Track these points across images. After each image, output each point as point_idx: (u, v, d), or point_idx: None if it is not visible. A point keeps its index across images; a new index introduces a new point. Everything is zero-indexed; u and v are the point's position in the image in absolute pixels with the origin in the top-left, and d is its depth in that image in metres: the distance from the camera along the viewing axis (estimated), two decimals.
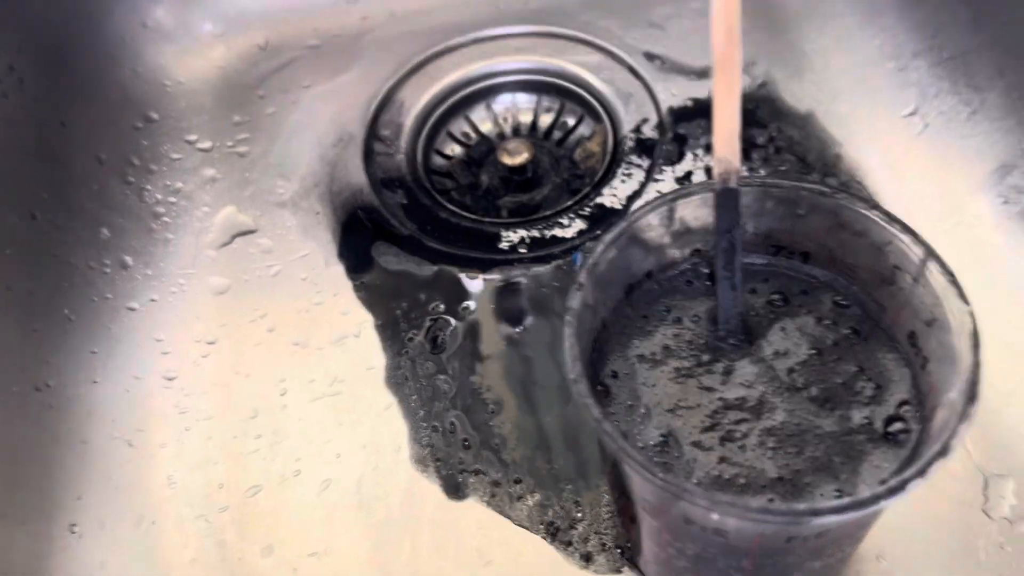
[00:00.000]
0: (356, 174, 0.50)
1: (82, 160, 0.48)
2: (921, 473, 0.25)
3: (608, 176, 0.50)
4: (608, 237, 0.31)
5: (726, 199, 0.30)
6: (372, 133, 0.52)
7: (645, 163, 0.50)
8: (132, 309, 0.46)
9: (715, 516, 0.26)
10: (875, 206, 0.30)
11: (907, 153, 0.48)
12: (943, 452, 0.25)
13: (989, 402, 0.40)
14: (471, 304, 0.45)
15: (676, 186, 0.48)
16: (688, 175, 0.49)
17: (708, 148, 0.50)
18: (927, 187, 0.46)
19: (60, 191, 0.46)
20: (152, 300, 0.46)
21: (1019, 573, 0.36)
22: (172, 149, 0.52)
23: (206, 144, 0.52)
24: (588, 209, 0.48)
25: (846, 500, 0.24)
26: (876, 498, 0.24)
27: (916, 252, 0.29)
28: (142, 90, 0.53)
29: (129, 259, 0.47)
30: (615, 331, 0.33)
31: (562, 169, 0.52)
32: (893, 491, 0.25)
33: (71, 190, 0.47)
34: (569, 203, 0.49)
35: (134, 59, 0.53)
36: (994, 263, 0.44)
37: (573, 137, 0.54)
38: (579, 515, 0.39)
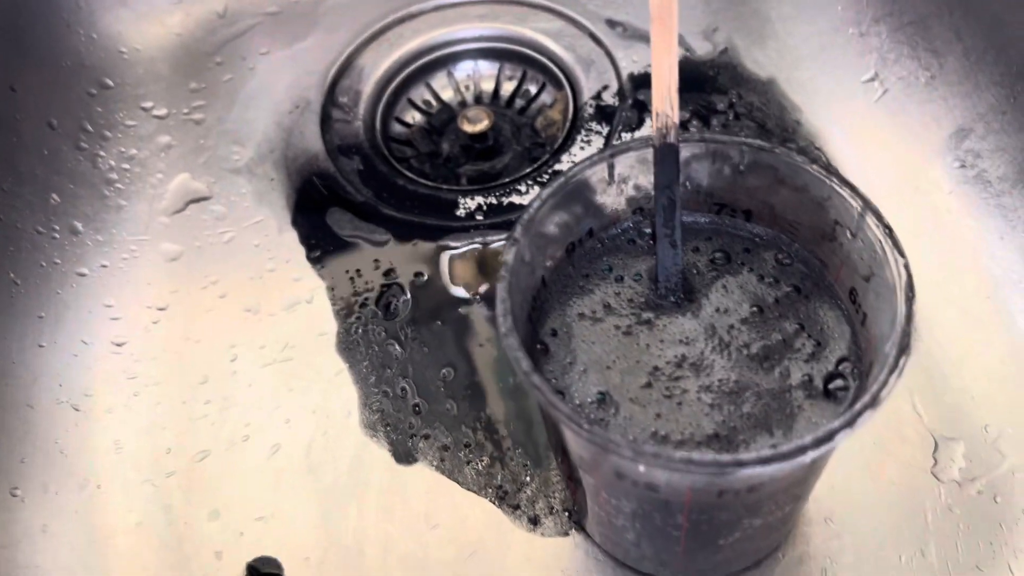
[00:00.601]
0: (312, 141, 0.50)
1: (33, 126, 0.47)
2: (849, 424, 0.25)
3: (567, 143, 0.50)
4: (545, 192, 0.30)
5: (665, 154, 0.30)
6: (330, 100, 0.52)
7: (604, 130, 0.49)
8: (82, 275, 0.45)
9: (641, 468, 0.25)
10: (813, 160, 0.30)
11: (866, 119, 0.47)
12: (872, 403, 0.25)
13: (941, 366, 0.40)
14: (425, 271, 0.45)
15: None
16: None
17: None
18: (885, 152, 0.46)
19: (9, 156, 0.45)
20: (103, 266, 0.46)
21: (967, 535, 0.36)
22: (127, 116, 0.51)
23: (162, 111, 0.52)
24: (546, 176, 0.48)
25: (771, 451, 0.24)
26: (802, 449, 0.24)
27: (854, 206, 0.29)
28: (97, 56, 0.52)
29: (80, 225, 0.46)
30: (556, 290, 0.32)
31: (523, 137, 0.52)
32: (820, 442, 0.24)
33: (21, 155, 0.46)
34: (527, 170, 0.49)
35: (89, 25, 0.52)
36: (950, 227, 0.43)
37: (535, 105, 0.53)
38: (527, 479, 0.38)
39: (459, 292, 0.44)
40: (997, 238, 0.42)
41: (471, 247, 0.45)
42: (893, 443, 0.38)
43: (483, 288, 0.44)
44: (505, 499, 0.38)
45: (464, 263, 0.45)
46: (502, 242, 0.45)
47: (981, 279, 0.42)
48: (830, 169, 0.30)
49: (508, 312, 0.28)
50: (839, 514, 0.37)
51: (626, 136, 0.49)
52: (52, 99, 0.49)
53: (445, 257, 0.45)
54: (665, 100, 0.29)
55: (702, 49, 0.52)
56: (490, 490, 0.38)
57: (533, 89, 0.54)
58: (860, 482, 0.37)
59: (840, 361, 0.30)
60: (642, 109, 0.50)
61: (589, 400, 0.29)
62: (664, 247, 0.31)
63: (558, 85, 0.53)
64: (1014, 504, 0.36)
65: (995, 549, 0.35)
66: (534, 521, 0.38)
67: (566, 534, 0.37)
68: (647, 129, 0.49)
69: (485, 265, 0.45)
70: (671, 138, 0.30)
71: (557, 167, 0.48)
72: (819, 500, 0.37)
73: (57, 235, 0.45)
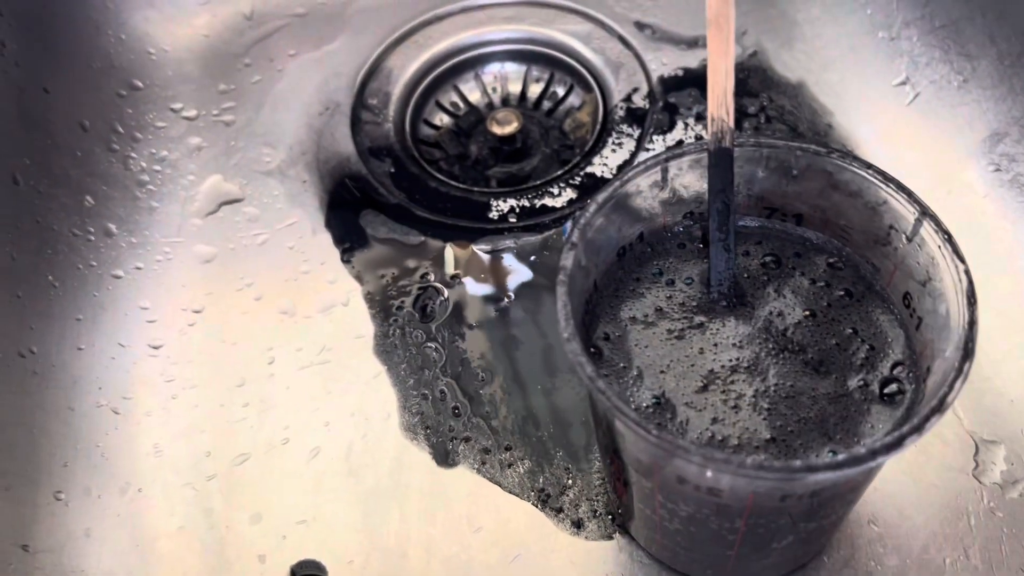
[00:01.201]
0: (343, 143, 0.50)
1: (65, 127, 0.47)
2: (918, 429, 0.25)
3: (598, 146, 0.50)
4: (600, 197, 0.30)
5: (720, 159, 0.30)
6: (359, 102, 0.52)
7: (635, 132, 0.50)
8: (117, 277, 0.45)
9: (709, 474, 0.26)
10: (870, 165, 0.30)
11: (898, 122, 0.47)
12: (939, 408, 0.25)
13: (981, 369, 0.40)
14: (460, 273, 0.45)
15: None
16: (679, 144, 0.48)
17: (699, 117, 0.49)
18: (918, 156, 0.46)
19: (43, 157, 0.45)
20: (137, 268, 0.45)
21: (1009, 538, 0.36)
22: (157, 117, 0.51)
23: (191, 112, 0.51)
24: (578, 179, 0.48)
25: (842, 456, 0.24)
26: (872, 454, 0.24)
27: (911, 211, 0.29)
28: (126, 58, 0.52)
29: (113, 227, 0.46)
30: (607, 294, 0.32)
31: (552, 139, 0.52)
32: (889, 447, 0.24)
33: (54, 157, 0.46)
34: (559, 172, 0.49)
35: (118, 26, 0.52)
36: (985, 231, 0.43)
37: (563, 107, 0.53)
38: (570, 482, 0.39)
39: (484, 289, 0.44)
40: None
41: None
42: (934, 446, 0.38)
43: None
44: (548, 502, 0.38)
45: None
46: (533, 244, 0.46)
47: (1017, 282, 0.42)
48: (886, 175, 0.30)
49: (569, 317, 0.28)
50: (883, 517, 0.37)
51: (658, 139, 0.49)
52: (83, 100, 0.49)
53: (479, 258, 0.45)
54: (721, 105, 0.29)
55: None
56: (532, 493, 0.38)
57: (561, 91, 0.54)
58: (902, 485, 0.37)
59: (895, 365, 0.30)
60: (673, 112, 0.50)
61: (644, 405, 0.30)
62: (718, 251, 0.31)
63: (586, 87, 0.53)
64: None
65: None
66: (578, 524, 0.38)
67: (610, 537, 0.37)
68: (679, 132, 0.49)
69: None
70: (726, 142, 0.30)
71: (589, 169, 0.48)
72: (862, 503, 0.37)
73: (92, 237, 0.45)
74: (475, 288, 0.44)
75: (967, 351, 0.26)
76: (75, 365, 0.42)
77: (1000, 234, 0.43)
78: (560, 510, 0.38)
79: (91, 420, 0.41)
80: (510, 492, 0.39)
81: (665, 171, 0.32)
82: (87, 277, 0.44)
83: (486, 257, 0.45)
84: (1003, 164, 0.44)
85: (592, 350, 0.31)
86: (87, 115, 0.48)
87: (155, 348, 0.43)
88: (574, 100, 0.53)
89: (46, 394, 0.40)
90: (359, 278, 0.45)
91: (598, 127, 0.51)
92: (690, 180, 0.32)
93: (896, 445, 0.24)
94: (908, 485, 0.37)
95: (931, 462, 0.38)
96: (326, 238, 0.47)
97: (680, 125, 0.49)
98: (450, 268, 0.45)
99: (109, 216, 0.46)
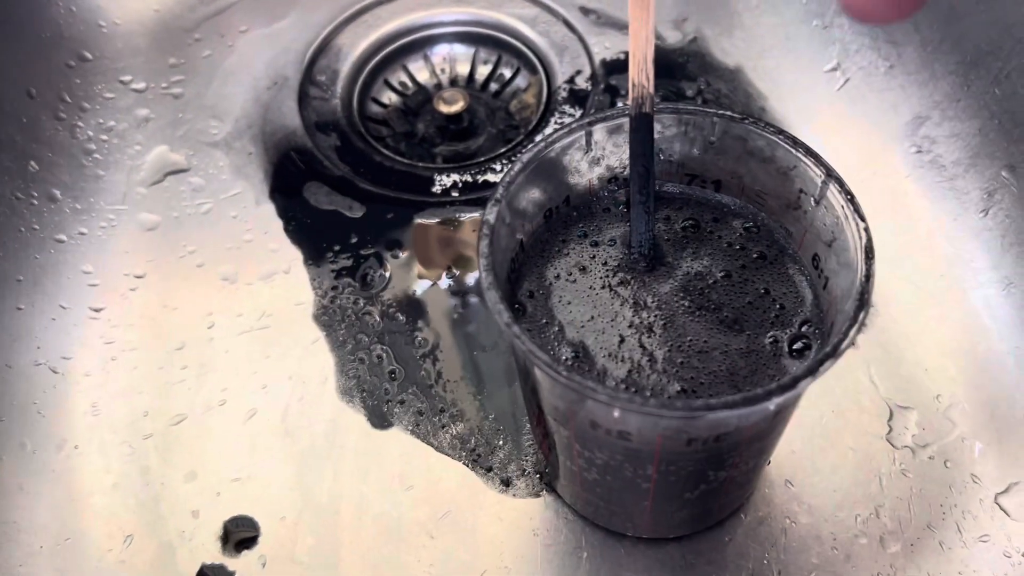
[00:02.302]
0: (290, 117, 0.51)
1: (12, 94, 0.48)
2: (811, 372, 0.26)
3: (541, 125, 0.51)
4: (524, 158, 0.31)
5: (640, 124, 0.31)
6: (308, 78, 0.53)
7: (577, 113, 0.51)
8: (60, 241, 0.45)
9: (616, 414, 0.27)
10: (781, 131, 0.31)
11: (828, 106, 0.49)
12: (833, 354, 0.26)
13: (897, 340, 0.42)
14: (401, 243, 0.46)
15: None
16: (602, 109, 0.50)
17: None
18: (846, 138, 0.48)
19: None
20: (81, 233, 0.46)
21: (917, 497, 0.37)
22: (105, 89, 0.51)
23: (140, 85, 0.52)
24: None
25: (738, 396, 0.26)
26: (768, 393, 0.26)
27: (818, 174, 0.30)
28: (76, 29, 0.52)
29: (58, 192, 0.47)
30: (533, 254, 0.33)
31: (497, 119, 0.53)
32: (783, 388, 0.26)
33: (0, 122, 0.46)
34: (502, 150, 0.50)
35: None
36: (907, 210, 0.45)
37: (509, 89, 0.55)
38: (500, 443, 0.40)
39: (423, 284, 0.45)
40: (951, 219, 0.44)
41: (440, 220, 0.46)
42: (851, 411, 0.40)
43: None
44: (478, 462, 0.39)
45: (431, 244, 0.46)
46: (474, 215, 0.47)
47: (935, 258, 0.44)
48: (796, 140, 0.31)
49: (490, 268, 0.29)
50: (799, 478, 0.38)
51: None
52: (31, 69, 0.49)
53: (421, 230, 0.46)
54: (641, 70, 0.30)
55: (672, 38, 0.53)
56: (464, 453, 0.39)
57: (508, 73, 0.55)
58: (819, 448, 0.39)
59: (803, 323, 0.31)
60: (614, 93, 0.51)
61: (564, 358, 0.31)
62: (638, 214, 0.32)
63: (532, 70, 0.54)
64: (963, 469, 0.38)
65: (945, 510, 0.37)
66: (506, 483, 0.39)
67: (537, 495, 0.38)
68: None
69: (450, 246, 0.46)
70: (646, 108, 0.31)
71: None
72: (780, 464, 0.38)
73: (36, 202, 0.46)
74: (415, 259, 0.45)
75: (862, 301, 0.27)
76: (14, 324, 0.42)
77: (920, 212, 0.45)
78: (490, 469, 0.39)
79: (28, 378, 0.41)
80: (442, 452, 0.40)
81: (589, 135, 0.33)
82: (29, 240, 0.44)
83: (428, 229, 0.46)
84: (924, 146, 0.46)
85: (517, 306, 0.32)
86: (35, 83, 0.49)
87: (96, 311, 0.44)
88: (520, 82, 0.55)
89: None
90: (301, 247, 0.46)
91: (542, 107, 0.52)
92: (614, 145, 0.33)
93: (790, 386, 0.26)
94: (825, 448, 0.39)
95: (848, 427, 0.39)
96: (269, 208, 0.47)
97: (620, 106, 0.50)
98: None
99: (54, 182, 0.47)
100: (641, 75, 0.31)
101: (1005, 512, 0.37)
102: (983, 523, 0.37)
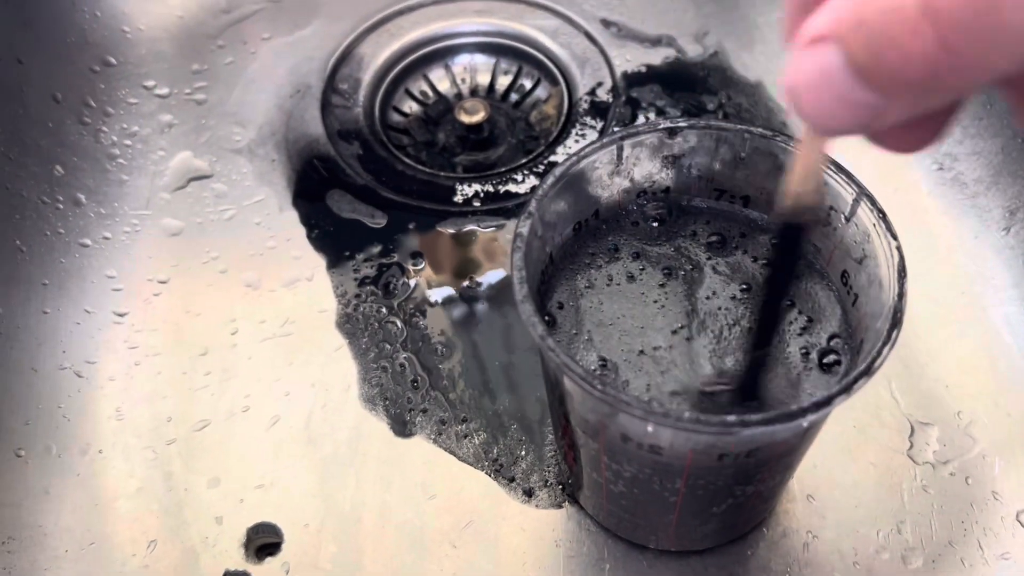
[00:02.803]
0: (313, 124, 0.51)
1: (38, 98, 0.48)
2: (846, 390, 0.26)
3: (562, 136, 0.51)
4: (557, 172, 0.32)
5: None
6: (330, 86, 0.53)
7: (599, 125, 0.51)
8: (84, 245, 0.46)
9: (650, 428, 0.27)
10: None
11: None
12: (867, 372, 0.27)
13: (918, 355, 0.42)
14: (424, 252, 0.46)
15: None
16: (634, 125, 0.50)
17: (659, 112, 0.51)
18: (867, 153, 0.47)
19: (14, 126, 0.46)
20: (105, 238, 0.46)
21: (939, 513, 0.38)
22: (130, 94, 0.52)
23: (164, 90, 0.52)
24: (541, 167, 0.49)
25: (774, 412, 0.26)
26: (802, 411, 0.26)
27: (850, 192, 0.31)
28: (101, 34, 0.53)
29: (83, 197, 0.47)
30: (562, 266, 0.34)
31: (518, 130, 0.53)
32: (819, 405, 0.26)
33: (25, 126, 0.46)
34: (523, 161, 0.50)
35: (94, 3, 0.53)
36: (928, 226, 0.45)
37: (529, 99, 0.55)
38: (523, 453, 0.40)
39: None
40: (972, 237, 0.44)
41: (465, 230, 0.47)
42: (872, 427, 0.40)
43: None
44: (501, 472, 0.39)
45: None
46: (496, 228, 0.47)
47: (956, 275, 0.44)
48: (828, 157, 0.31)
49: (524, 280, 0.29)
50: (821, 493, 0.38)
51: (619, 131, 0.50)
52: (57, 73, 0.49)
53: (443, 239, 0.46)
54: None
55: (693, 51, 0.54)
56: (486, 463, 0.40)
57: (528, 84, 0.55)
58: (841, 463, 0.39)
59: (832, 337, 0.31)
60: (635, 106, 0.51)
61: (593, 368, 0.31)
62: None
63: (553, 81, 0.54)
64: (984, 485, 0.38)
65: (966, 527, 0.37)
66: (529, 493, 0.39)
67: (559, 506, 0.38)
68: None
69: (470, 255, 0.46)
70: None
71: (552, 159, 0.50)
72: (802, 479, 0.39)
73: (61, 206, 0.46)
74: (438, 267, 0.45)
75: (895, 320, 0.27)
76: (40, 328, 0.42)
77: (940, 229, 0.45)
78: (512, 479, 0.39)
79: (54, 382, 0.41)
80: (465, 462, 0.40)
81: (620, 150, 0.33)
82: (55, 244, 0.45)
83: (450, 238, 0.47)
84: (946, 163, 0.46)
85: (546, 318, 0.32)
86: (60, 88, 0.49)
87: (120, 316, 0.44)
88: (541, 93, 0.55)
89: (10, 354, 0.41)
90: (324, 254, 0.46)
91: (563, 119, 0.52)
92: (644, 160, 0.34)
93: (825, 403, 0.26)
94: (847, 463, 0.39)
95: (869, 442, 0.40)
96: (293, 216, 0.48)
97: (642, 119, 0.51)
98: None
99: (78, 186, 0.47)
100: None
101: None
102: (1004, 540, 0.37)
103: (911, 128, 0.21)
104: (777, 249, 0.26)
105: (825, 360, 0.31)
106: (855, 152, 0.47)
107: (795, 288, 0.32)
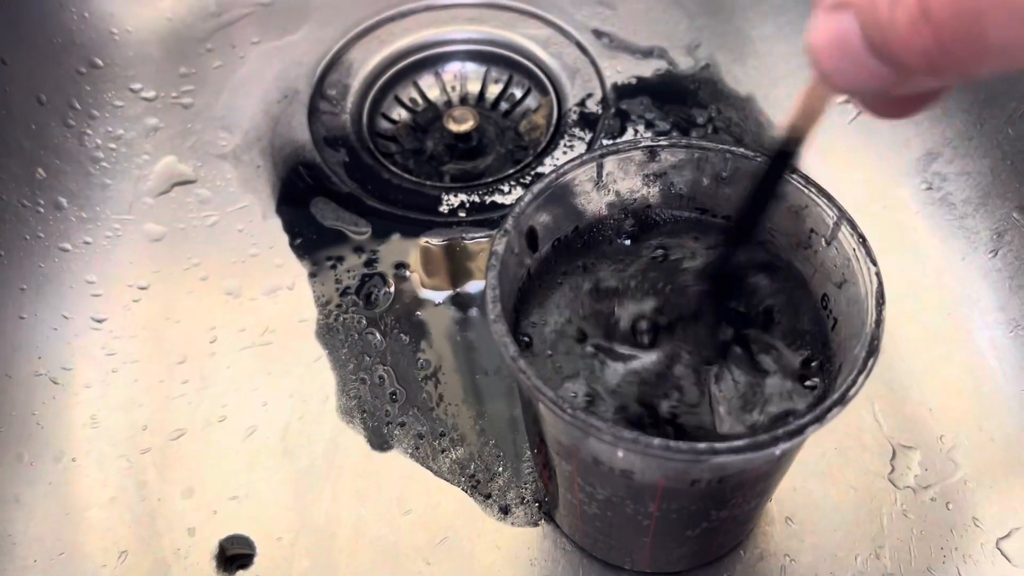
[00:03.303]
0: (300, 131, 0.51)
1: (22, 99, 0.47)
2: (819, 419, 0.26)
3: (550, 147, 0.51)
4: (536, 188, 0.31)
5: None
6: (318, 92, 0.53)
7: (587, 136, 0.51)
8: (64, 250, 0.45)
9: (620, 454, 0.26)
10: (794, 170, 0.31)
11: (839, 139, 0.49)
12: (841, 401, 0.26)
13: (902, 378, 0.41)
14: (407, 263, 0.46)
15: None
16: (615, 142, 0.50)
17: (649, 124, 0.50)
18: (856, 171, 0.47)
19: None
20: (86, 242, 0.46)
21: (918, 539, 0.37)
22: (115, 96, 0.51)
23: (150, 93, 0.52)
24: (529, 178, 0.49)
25: (744, 441, 0.25)
26: (774, 440, 0.25)
27: (830, 215, 0.30)
28: (88, 36, 0.52)
29: (64, 200, 0.46)
30: (540, 283, 0.33)
31: (507, 139, 0.53)
32: (791, 434, 0.25)
33: (8, 127, 0.46)
34: (511, 171, 0.50)
35: (82, 4, 0.52)
36: (915, 247, 0.45)
37: (519, 109, 0.54)
38: (500, 470, 0.39)
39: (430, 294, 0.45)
40: (959, 258, 0.44)
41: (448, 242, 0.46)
42: (853, 450, 0.39)
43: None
44: (477, 488, 0.39)
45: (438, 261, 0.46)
46: (481, 238, 0.46)
47: (943, 297, 0.43)
48: (808, 180, 0.31)
49: (497, 299, 0.29)
50: (799, 515, 0.38)
51: (608, 143, 0.50)
52: (42, 75, 0.49)
53: (426, 250, 0.46)
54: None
55: (684, 64, 0.53)
56: (463, 479, 0.39)
57: (518, 93, 0.55)
58: (821, 485, 0.39)
59: (808, 362, 0.31)
60: (624, 118, 0.51)
61: (569, 392, 0.30)
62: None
63: (543, 91, 0.54)
64: (965, 512, 0.38)
65: (946, 554, 0.37)
66: (505, 510, 0.38)
67: (536, 524, 0.38)
68: (629, 136, 0.50)
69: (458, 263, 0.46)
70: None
71: (540, 169, 0.49)
72: (781, 501, 0.38)
73: (41, 209, 0.46)
74: (421, 279, 0.45)
75: (872, 348, 0.27)
76: (16, 334, 0.42)
77: (929, 250, 0.45)
78: (489, 496, 0.39)
79: (28, 388, 0.41)
80: (441, 477, 0.39)
81: (600, 167, 0.33)
82: (33, 248, 0.44)
83: (435, 250, 0.46)
84: (935, 183, 0.46)
85: (523, 337, 0.32)
86: (45, 89, 0.49)
87: (98, 322, 0.44)
88: (531, 102, 0.54)
89: None
90: (306, 263, 0.46)
91: (552, 129, 0.52)
92: (625, 177, 0.33)
93: (797, 432, 0.25)
94: (827, 486, 0.39)
95: (850, 465, 0.39)
96: (276, 223, 0.47)
97: (630, 131, 0.50)
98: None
99: (60, 190, 0.47)
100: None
101: (1006, 557, 0.37)
102: (984, 568, 0.37)
103: (901, 99, 0.22)
104: (768, 166, 0.28)
105: (804, 384, 0.30)
106: (843, 168, 0.48)
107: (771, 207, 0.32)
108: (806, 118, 0.26)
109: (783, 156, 0.28)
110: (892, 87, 0.19)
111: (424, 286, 0.45)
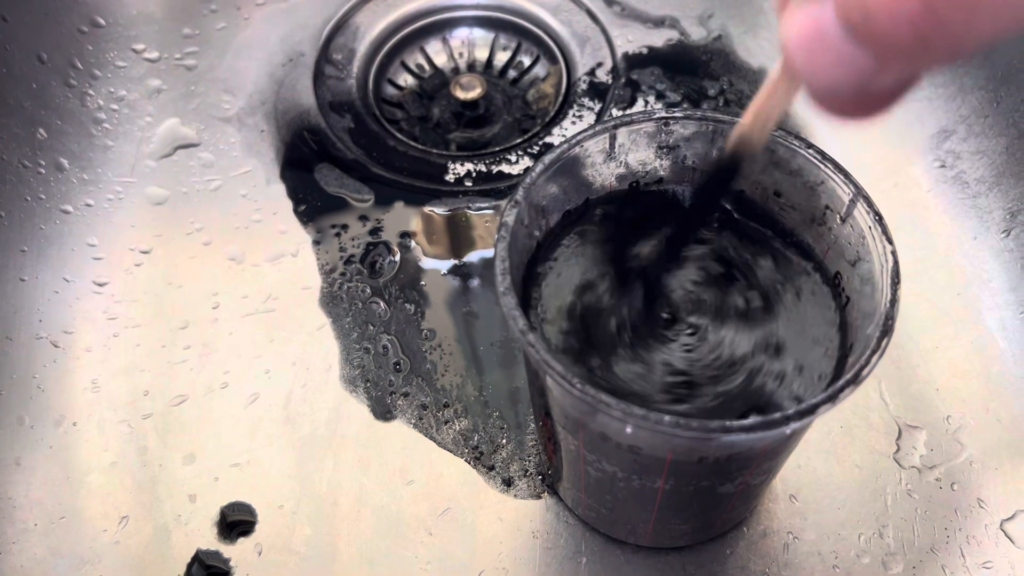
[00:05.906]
0: (304, 95, 0.50)
1: (22, 58, 0.47)
2: (831, 399, 0.26)
3: (559, 117, 0.50)
4: (547, 159, 0.31)
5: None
6: (324, 56, 0.52)
7: (597, 106, 0.50)
8: (66, 212, 0.45)
9: (629, 430, 0.26)
10: (810, 145, 0.30)
11: None
12: (854, 381, 0.26)
13: (910, 357, 0.41)
14: (412, 232, 0.45)
15: None
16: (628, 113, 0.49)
17: (659, 95, 0.50)
18: (869, 148, 0.47)
19: None
20: (87, 205, 0.45)
21: (922, 519, 0.37)
22: (118, 56, 0.51)
23: (153, 54, 0.51)
24: (536, 147, 0.48)
25: (755, 419, 0.25)
26: (785, 419, 0.25)
27: (846, 191, 0.30)
28: None
29: (65, 162, 0.46)
30: (550, 255, 0.33)
31: (514, 108, 0.52)
32: (802, 414, 0.25)
33: (8, 86, 0.45)
34: (518, 140, 0.49)
35: None
36: (927, 225, 0.45)
37: (528, 77, 0.54)
38: (504, 441, 0.39)
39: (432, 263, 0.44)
40: (971, 237, 0.44)
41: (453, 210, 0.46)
42: (859, 428, 0.39)
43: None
44: (480, 459, 0.39)
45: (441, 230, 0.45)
46: (486, 209, 0.46)
47: (953, 276, 0.43)
48: (825, 155, 0.30)
49: (507, 271, 0.28)
50: (804, 493, 0.38)
51: (617, 113, 0.49)
52: (43, 33, 0.48)
53: (432, 219, 0.46)
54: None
55: (696, 34, 0.52)
56: (466, 450, 0.39)
57: (527, 61, 0.54)
58: (826, 464, 0.38)
59: (820, 340, 0.31)
60: (635, 88, 0.50)
61: (576, 362, 0.30)
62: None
63: (552, 59, 0.53)
64: (969, 492, 0.38)
65: (949, 534, 0.37)
66: (508, 482, 0.38)
67: (539, 497, 0.38)
68: (639, 108, 0.49)
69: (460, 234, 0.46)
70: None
71: (548, 140, 0.49)
72: (785, 479, 0.38)
73: (43, 170, 0.45)
74: (426, 248, 0.45)
75: (886, 328, 0.27)
76: (16, 296, 0.41)
77: (940, 228, 0.44)
78: (492, 468, 0.39)
79: (29, 351, 0.41)
80: (444, 448, 0.39)
81: (613, 138, 0.32)
82: (35, 209, 0.44)
83: (437, 219, 0.46)
84: (948, 161, 0.45)
85: (532, 309, 0.32)
86: (46, 48, 0.48)
87: (100, 285, 0.43)
88: (539, 71, 0.54)
89: None
90: (310, 230, 0.45)
91: (560, 98, 0.51)
92: (637, 148, 0.33)
93: (809, 412, 0.25)
94: (831, 464, 0.38)
95: (855, 444, 0.39)
96: (280, 189, 0.47)
97: (641, 102, 0.50)
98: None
99: (62, 151, 0.46)
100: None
101: (1010, 539, 0.36)
102: (987, 549, 0.36)
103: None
104: (709, 179, 0.28)
105: (812, 361, 0.30)
106: (857, 146, 0.47)
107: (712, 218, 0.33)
108: (758, 124, 0.24)
109: (728, 172, 0.27)
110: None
111: (426, 255, 0.44)
